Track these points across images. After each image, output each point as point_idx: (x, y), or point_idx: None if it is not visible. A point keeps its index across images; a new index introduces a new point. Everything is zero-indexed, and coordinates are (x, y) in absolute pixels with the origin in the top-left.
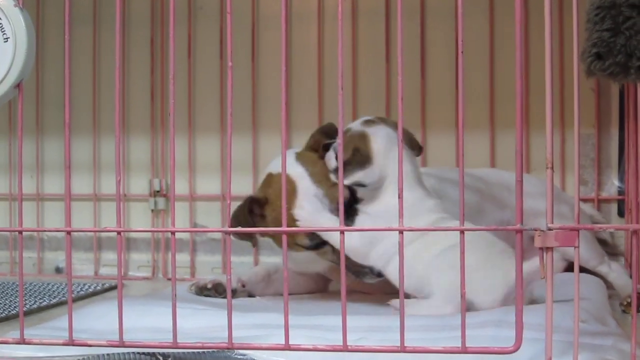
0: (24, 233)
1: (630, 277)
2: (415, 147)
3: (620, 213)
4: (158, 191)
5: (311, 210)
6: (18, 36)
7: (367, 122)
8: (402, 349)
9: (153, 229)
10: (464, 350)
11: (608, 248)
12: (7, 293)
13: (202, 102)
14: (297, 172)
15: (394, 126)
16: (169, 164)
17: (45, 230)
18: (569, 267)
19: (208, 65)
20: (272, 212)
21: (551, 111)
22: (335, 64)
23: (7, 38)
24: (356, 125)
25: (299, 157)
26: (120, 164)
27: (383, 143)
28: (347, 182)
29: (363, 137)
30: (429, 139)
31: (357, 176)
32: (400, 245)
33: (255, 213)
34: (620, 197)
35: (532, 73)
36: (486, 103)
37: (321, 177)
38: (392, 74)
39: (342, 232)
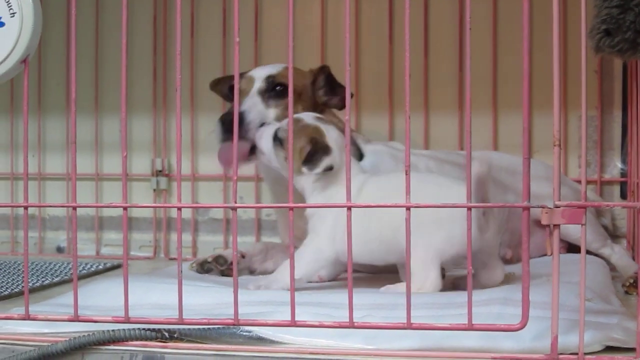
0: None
1: (633, 258)
2: (357, 152)
3: (623, 195)
4: (160, 171)
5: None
6: (25, 11)
7: (319, 119)
8: (409, 326)
9: (158, 204)
10: (470, 327)
11: (608, 232)
12: (9, 272)
13: (204, 81)
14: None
15: (341, 131)
16: (172, 143)
17: (50, 206)
18: (569, 250)
19: (211, 44)
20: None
21: (559, 87)
22: (338, 44)
23: (13, 13)
24: (308, 118)
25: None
26: (125, 138)
27: (334, 138)
28: (319, 170)
29: (317, 130)
30: (431, 119)
31: (325, 162)
32: (407, 222)
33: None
34: (622, 179)
35: (534, 54)
36: (489, 84)
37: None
38: (395, 55)
39: (349, 208)
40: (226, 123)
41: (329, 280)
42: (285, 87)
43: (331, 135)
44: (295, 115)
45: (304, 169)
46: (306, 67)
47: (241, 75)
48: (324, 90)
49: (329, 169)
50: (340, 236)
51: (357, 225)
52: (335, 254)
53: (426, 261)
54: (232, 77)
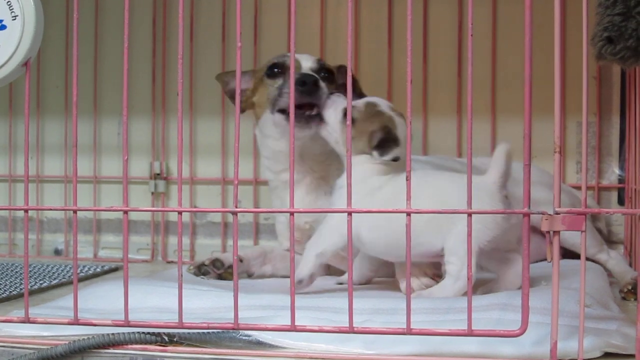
0: (23, 213)
1: (630, 265)
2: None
3: (620, 201)
4: (158, 174)
5: (306, 56)
6: (26, 14)
7: (393, 109)
8: (409, 331)
9: (158, 208)
10: (470, 332)
11: (603, 237)
12: (7, 274)
13: (203, 84)
14: None
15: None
16: (170, 146)
17: (51, 209)
18: (565, 255)
19: (210, 48)
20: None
21: (560, 94)
22: (338, 48)
23: (15, 16)
24: (384, 105)
25: None
26: (126, 141)
27: (404, 132)
28: (388, 158)
29: (391, 120)
30: (430, 124)
31: (395, 152)
32: (408, 227)
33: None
34: (620, 185)
35: (534, 62)
36: (488, 89)
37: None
38: (395, 59)
39: (349, 214)
40: (307, 84)
41: (359, 283)
42: (330, 73)
43: (402, 128)
44: (373, 99)
45: (374, 153)
46: None
47: (277, 61)
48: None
49: (396, 159)
50: (365, 232)
51: (381, 218)
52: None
53: (462, 247)
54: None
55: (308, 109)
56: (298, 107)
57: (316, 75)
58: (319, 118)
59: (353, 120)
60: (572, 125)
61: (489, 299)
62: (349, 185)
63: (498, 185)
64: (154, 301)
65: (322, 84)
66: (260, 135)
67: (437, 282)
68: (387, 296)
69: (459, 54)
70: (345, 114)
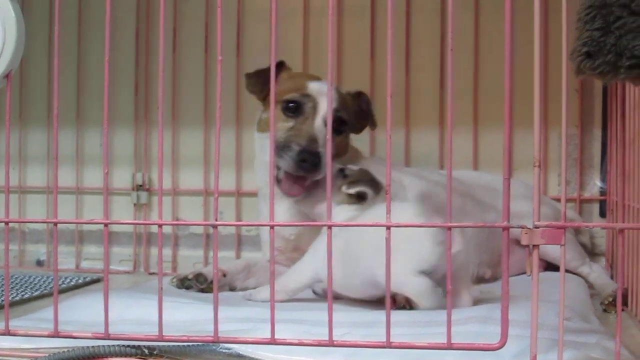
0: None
1: (611, 277)
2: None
3: (602, 213)
4: (141, 185)
5: (325, 89)
6: (8, 26)
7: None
8: (388, 345)
9: (139, 221)
10: (450, 346)
11: (586, 250)
12: None
13: (186, 96)
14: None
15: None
16: (153, 158)
17: (31, 222)
18: (547, 268)
19: (193, 60)
20: (287, 75)
21: (539, 109)
22: (320, 61)
23: None
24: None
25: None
26: (107, 155)
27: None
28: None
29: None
30: (412, 136)
31: (364, 190)
32: (388, 241)
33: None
34: (602, 197)
35: (516, 73)
36: (470, 102)
37: (342, 95)
38: (377, 71)
39: (329, 227)
40: (307, 162)
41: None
42: (342, 122)
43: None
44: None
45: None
46: None
47: (296, 99)
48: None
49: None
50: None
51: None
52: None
53: (409, 275)
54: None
55: (302, 180)
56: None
57: (321, 152)
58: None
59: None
60: (554, 137)
61: (469, 312)
62: (329, 198)
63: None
64: (135, 313)
65: (324, 160)
66: (260, 140)
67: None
68: (368, 309)
69: (442, 66)
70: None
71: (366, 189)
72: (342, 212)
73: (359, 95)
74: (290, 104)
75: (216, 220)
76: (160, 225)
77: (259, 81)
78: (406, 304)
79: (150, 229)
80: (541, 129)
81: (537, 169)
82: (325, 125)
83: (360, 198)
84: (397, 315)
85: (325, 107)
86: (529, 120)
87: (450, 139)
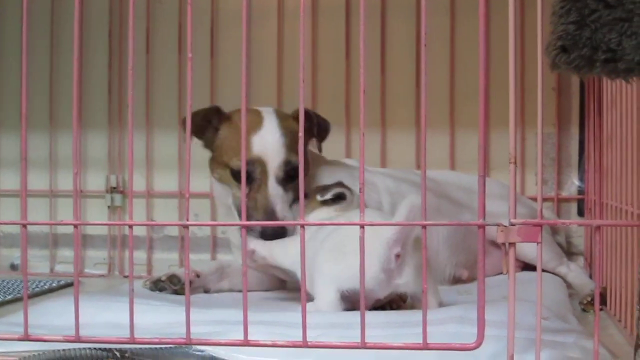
0: None
1: (590, 277)
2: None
3: (580, 212)
4: (115, 187)
5: (271, 142)
6: None
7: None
8: (363, 345)
9: (109, 222)
10: (425, 346)
11: (563, 250)
12: None
13: (160, 98)
14: (268, 111)
15: None
16: (127, 160)
17: (1, 224)
18: (525, 268)
19: (166, 61)
20: (228, 130)
21: (514, 103)
22: (294, 61)
23: None
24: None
25: (276, 110)
26: (78, 156)
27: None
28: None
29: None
30: (388, 137)
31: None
32: (362, 240)
33: (211, 123)
34: (580, 196)
35: (492, 72)
36: (446, 102)
37: (288, 126)
38: (352, 71)
39: (302, 227)
40: (266, 237)
41: None
42: (296, 167)
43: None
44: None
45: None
46: (263, 85)
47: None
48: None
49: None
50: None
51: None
52: None
53: (325, 284)
54: (206, 113)
55: None
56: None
57: (283, 228)
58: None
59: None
60: (532, 136)
61: (445, 312)
62: (302, 198)
63: (392, 239)
64: (107, 316)
65: (282, 214)
66: (215, 184)
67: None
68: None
69: (417, 66)
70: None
71: (342, 189)
72: (322, 214)
73: (309, 116)
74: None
75: (187, 220)
76: (130, 226)
77: (196, 126)
78: (398, 303)
79: (124, 231)
80: (517, 127)
81: (512, 165)
82: (284, 185)
83: (339, 198)
84: (373, 317)
85: (275, 164)
86: (506, 120)
87: (424, 136)
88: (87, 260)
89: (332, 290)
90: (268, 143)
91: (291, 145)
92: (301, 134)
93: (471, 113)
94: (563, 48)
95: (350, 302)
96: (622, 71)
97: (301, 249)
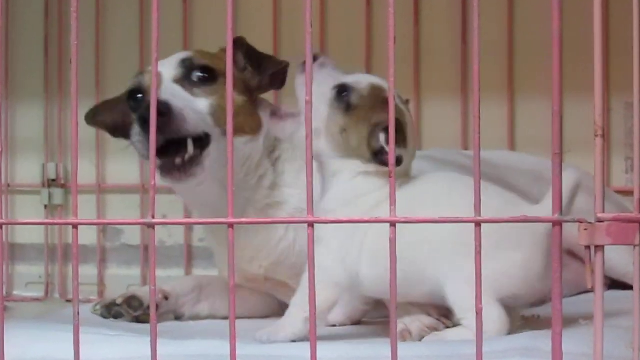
0: None
1: None
2: None
3: None
4: (54, 180)
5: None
6: None
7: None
8: None
9: (46, 220)
10: None
11: None
12: None
13: (115, 53)
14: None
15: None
16: (70, 143)
17: None
18: (612, 287)
19: (124, 15)
20: None
21: (602, 61)
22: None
23: None
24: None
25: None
26: (3, 136)
27: (412, 136)
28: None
29: (402, 114)
30: (424, 106)
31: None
32: (392, 242)
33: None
34: None
35: (565, 24)
36: (502, 61)
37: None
38: (374, 20)
39: (310, 225)
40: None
41: (346, 324)
42: (209, 72)
43: (412, 127)
44: (377, 81)
45: (373, 157)
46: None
47: (133, 85)
48: (250, 71)
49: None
50: (353, 258)
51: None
52: (348, 280)
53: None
54: (114, 102)
55: (177, 153)
56: (163, 152)
57: (168, 101)
58: (197, 161)
59: (351, 107)
60: (619, 107)
61: (507, 342)
62: (310, 190)
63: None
64: (42, 350)
65: (179, 106)
66: None
67: (444, 323)
68: (366, 341)
69: (463, 17)
70: (340, 93)
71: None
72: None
73: (235, 42)
74: (136, 94)
75: (153, 217)
76: (75, 226)
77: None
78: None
79: (67, 239)
80: (603, 89)
81: (599, 139)
82: (185, 85)
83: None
84: (409, 349)
85: (171, 71)
86: (583, 88)
87: (478, 105)
88: (17, 279)
89: (492, 300)
90: (167, 61)
91: (198, 55)
92: (307, 97)
93: (535, 76)
94: None
95: None
96: None
97: (309, 247)
